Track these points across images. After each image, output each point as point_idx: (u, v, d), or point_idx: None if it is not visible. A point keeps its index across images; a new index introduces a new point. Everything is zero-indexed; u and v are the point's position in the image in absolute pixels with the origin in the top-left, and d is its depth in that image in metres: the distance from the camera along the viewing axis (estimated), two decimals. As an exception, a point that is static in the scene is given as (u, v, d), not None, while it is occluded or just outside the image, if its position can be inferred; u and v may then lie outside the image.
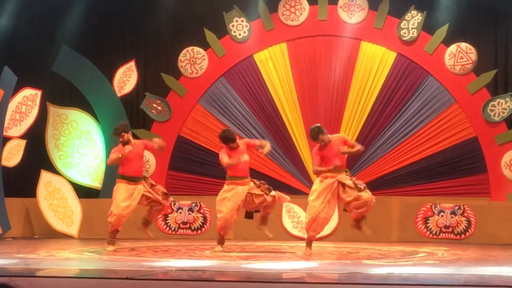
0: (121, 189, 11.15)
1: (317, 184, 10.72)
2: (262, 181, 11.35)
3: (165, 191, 11.53)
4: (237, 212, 11.08)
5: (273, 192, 11.27)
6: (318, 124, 10.99)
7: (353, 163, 14.20)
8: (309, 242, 10.81)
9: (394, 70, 14.23)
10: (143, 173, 11.43)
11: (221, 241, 11.20)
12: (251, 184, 11.16)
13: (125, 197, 11.07)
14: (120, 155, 11.10)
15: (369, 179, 14.18)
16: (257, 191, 11.14)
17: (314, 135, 10.75)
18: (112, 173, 13.91)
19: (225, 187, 11.14)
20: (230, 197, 11.02)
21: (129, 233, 12.78)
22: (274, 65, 14.52)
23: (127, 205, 11.06)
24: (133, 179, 11.15)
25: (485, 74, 13.91)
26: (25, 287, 6.62)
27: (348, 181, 10.65)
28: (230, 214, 10.99)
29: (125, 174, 11.19)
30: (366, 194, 10.67)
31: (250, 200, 11.15)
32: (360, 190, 10.64)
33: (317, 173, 10.78)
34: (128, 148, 11.18)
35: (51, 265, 9.38)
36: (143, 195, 11.20)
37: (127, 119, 14.59)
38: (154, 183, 11.50)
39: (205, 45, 14.61)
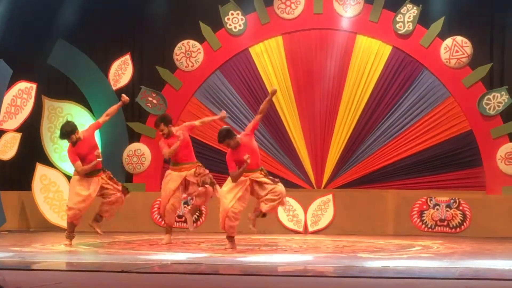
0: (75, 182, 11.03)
1: (229, 182, 10.54)
2: (204, 172, 11.13)
3: (125, 186, 11.28)
4: (177, 198, 11.17)
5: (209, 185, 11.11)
6: (227, 127, 10.79)
7: (348, 156, 14.23)
8: (230, 238, 10.57)
9: (390, 64, 14.23)
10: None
11: (167, 230, 11.32)
12: (192, 170, 11.12)
13: (80, 189, 10.94)
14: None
15: (365, 173, 14.23)
16: (193, 179, 11.11)
17: (220, 138, 10.55)
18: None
19: (166, 172, 11.34)
20: (165, 183, 11.22)
21: (124, 227, 12.81)
22: (270, 59, 14.52)
23: (82, 199, 10.90)
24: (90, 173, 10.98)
25: (480, 67, 13.92)
26: (20, 280, 6.63)
27: (262, 178, 10.50)
28: (165, 200, 11.15)
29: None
30: (280, 187, 10.50)
31: (188, 187, 11.20)
32: (275, 183, 10.52)
33: (236, 179, 10.45)
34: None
35: (46, 258, 9.38)
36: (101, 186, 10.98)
37: (122, 112, 14.59)
38: (112, 176, 11.19)
39: (200, 38, 14.59)
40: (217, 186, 11.13)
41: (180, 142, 10.98)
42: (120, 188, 11.07)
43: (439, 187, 13.98)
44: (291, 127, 14.31)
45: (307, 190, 14.17)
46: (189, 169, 11.14)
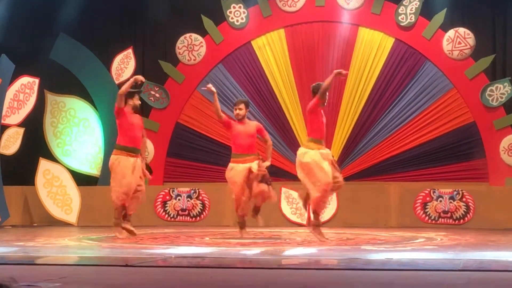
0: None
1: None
2: (263, 168, 11.15)
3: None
4: (244, 190, 11.08)
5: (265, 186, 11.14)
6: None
7: (351, 149, 14.23)
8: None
9: (392, 56, 14.21)
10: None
11: (240, 224, 11.34)
12: (255, 163, 11.08)
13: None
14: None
15: (368, 165, 14.22)
16: (256, 171, 11.05)
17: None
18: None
19: (228, 166, 11.26)
20: (230, 177, 11.14)
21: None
22: (272, 52, 14.51)
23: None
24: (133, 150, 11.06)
25: (483, 59, 13.90)
26: (24, 275, 6.63)
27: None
28: (239, 195, 11.07)
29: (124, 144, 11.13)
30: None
31: (250, 179, 11.16)
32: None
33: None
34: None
35: (50, 253, 9.39)
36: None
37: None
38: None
39: (202, 32, 14.58)
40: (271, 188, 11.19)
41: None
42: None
43: (442, 179, 13.97)
44: (293, 120, 14.31)
45: (310, 183, 14.14)
46: (252, 161, 11.08)
